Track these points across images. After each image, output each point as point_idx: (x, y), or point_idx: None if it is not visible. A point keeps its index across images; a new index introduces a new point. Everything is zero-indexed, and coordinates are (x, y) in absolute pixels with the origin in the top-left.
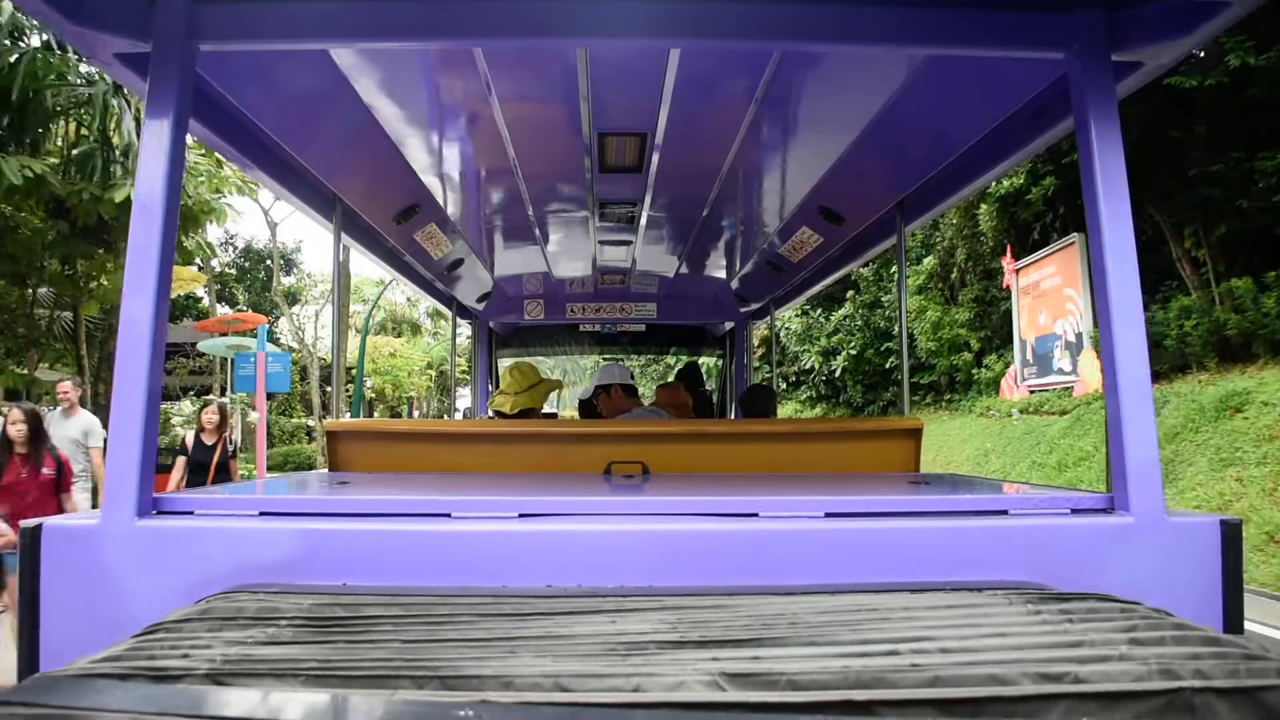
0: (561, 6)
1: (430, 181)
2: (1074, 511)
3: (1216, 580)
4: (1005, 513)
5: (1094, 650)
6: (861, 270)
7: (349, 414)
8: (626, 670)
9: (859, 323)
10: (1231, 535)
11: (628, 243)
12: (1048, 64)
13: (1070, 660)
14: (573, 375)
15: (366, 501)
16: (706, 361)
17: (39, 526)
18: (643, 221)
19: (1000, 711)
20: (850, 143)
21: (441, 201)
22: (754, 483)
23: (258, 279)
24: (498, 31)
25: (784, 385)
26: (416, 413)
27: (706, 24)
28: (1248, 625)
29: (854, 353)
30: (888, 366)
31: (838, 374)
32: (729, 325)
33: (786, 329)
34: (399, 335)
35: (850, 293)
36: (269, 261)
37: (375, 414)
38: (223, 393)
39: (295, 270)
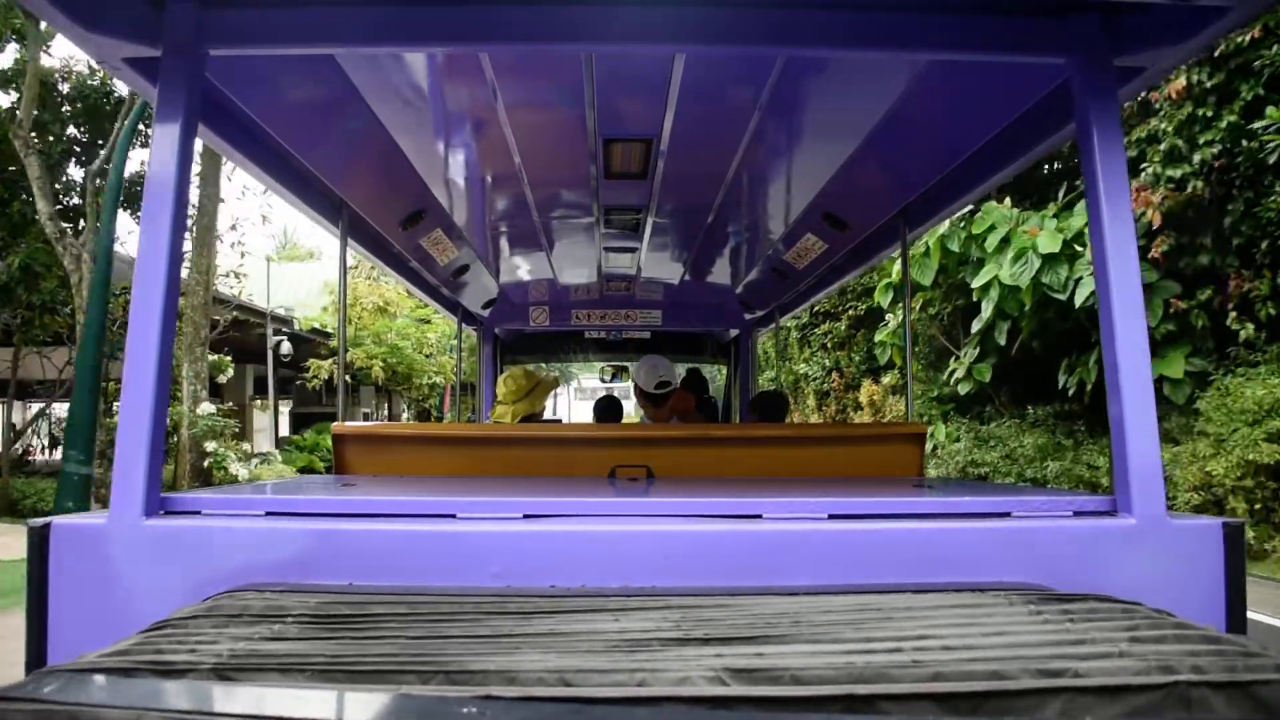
0: (568, 11)
1: (436, 187)
2: (1076, 514)
3: (1219, 582)
4: (1008, 515)
5: (1094, 648)
6: None
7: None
8: (631, 666)
9: None
10: (1233, 538)
11: (633, 249)
12: (1050, 69)
13: (1071, 657)
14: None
15: (372, 502)
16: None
17: (47, 525)
18: (648, 228)
19: (1001, 706)
20: (854, 149)
21: (447, 207)
22: (758, 485)
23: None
24: (505, 36)
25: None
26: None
27: (712, 29)
28: None
29: None
30: None
31: None
32: (734, 332)
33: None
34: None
35: None
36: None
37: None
38: None
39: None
